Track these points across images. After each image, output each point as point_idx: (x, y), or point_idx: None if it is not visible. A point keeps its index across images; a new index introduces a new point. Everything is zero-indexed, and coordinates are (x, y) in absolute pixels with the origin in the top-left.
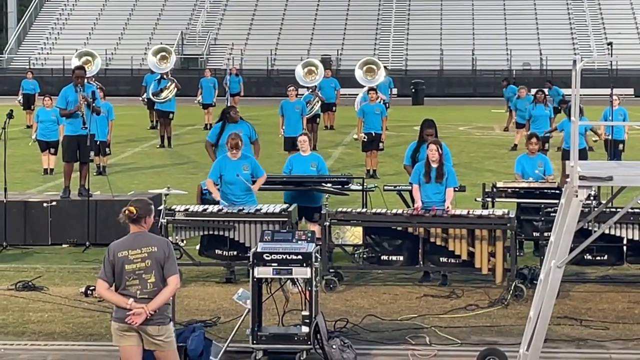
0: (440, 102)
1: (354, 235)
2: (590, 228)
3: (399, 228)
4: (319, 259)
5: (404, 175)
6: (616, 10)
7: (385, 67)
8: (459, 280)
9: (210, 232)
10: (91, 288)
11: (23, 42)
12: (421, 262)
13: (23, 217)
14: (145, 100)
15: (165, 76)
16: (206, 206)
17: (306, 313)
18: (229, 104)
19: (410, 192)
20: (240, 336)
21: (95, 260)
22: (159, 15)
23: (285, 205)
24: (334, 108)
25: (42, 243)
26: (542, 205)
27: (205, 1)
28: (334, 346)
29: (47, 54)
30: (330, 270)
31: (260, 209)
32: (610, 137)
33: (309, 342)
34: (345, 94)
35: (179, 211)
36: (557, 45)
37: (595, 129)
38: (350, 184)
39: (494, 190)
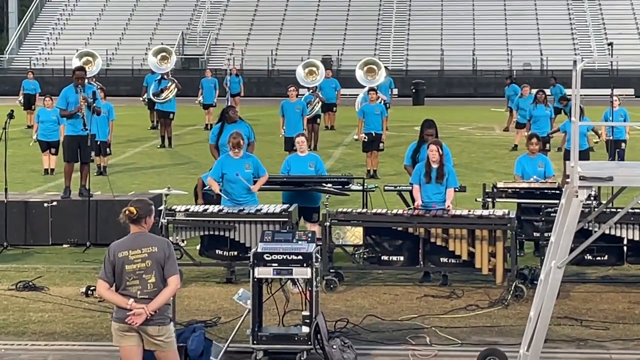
0: (441, 103)
1: (354, 235)
2: (590, 228)
3: (400, 228)
4: (319, 259)
5: (404, 176)
6: (617, 10)
7: (385, 67)
8: (459, 281)
9: (211, 233)
10: (92, 288)
11: (24, 43)
12: (421, 263)
13: (24, 217)
14: (146, 100)
15: (165, 76)
16: (206, 206)
17: (306, 313)
18: (229, 104)
19: (411, 192)
20: (241, 336)
21: (96, 261)
22: (159, 15)
23: (285, 206)
24: (334, 108)
25: (43, 243)
26: (543, 206)
27: (206, 1)
28: (334, 346)
29: (48, 54)
30: (331, 271)
31: (261, 209)
32: (611, 137)
33: (310, 343)
34: (346, 95)
35: (179, 211)
36: (557, 46)
37: (597, 129)
38: (350, 184)
39: (495, 190)
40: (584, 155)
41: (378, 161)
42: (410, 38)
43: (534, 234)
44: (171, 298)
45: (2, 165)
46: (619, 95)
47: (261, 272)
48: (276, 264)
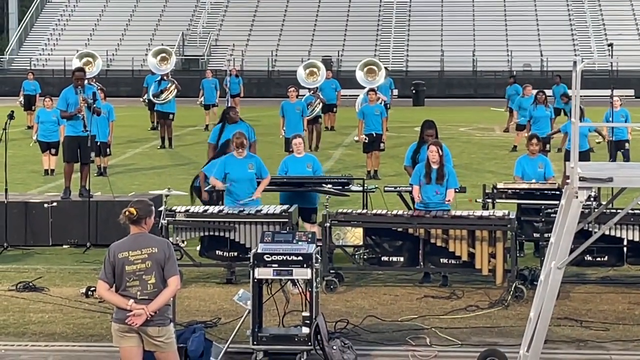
0: (441, 103)
1: (354, 236)
2: (590, 229)
3: (400, 229)
4: (319, 260)
5: (404, 176)
6: (617, 11)
7: (386, 68)
8: (459, 281)
9: (211, 233)
10: (92, 289)
11: (24, 43)
12: (421, 263)
13: (24, 218)
14: (146, 101)
15: (165, 77)
16: (207, 207)
17: (307, 314)
18: (229, 105)
19: (411, 193)
20: (241, 337)
21: (96, 261)
22: (159, 16)
23: (285, 207)
24: (334, 109)
25: (43, 244)
26: (543, 207)
27: (206, 2)
28: (334, 347)
29: (48, 55)
30: (331, 271)
31: (261, 210)
32: (611, 138)
33: (310, 343)
34: (346, 95)
35: (179, 212)
36: (557, 46)
37: (600, 130)
38: (350, 185)
39: (495, 191)
40: (584, 156)
41: (379, 161)
42: (410, 39)
43: (534, 234)
44: (171, 299)
45: (3, 166)
46: (620, 96)
47: (261, 272)
48: (276, 265)
